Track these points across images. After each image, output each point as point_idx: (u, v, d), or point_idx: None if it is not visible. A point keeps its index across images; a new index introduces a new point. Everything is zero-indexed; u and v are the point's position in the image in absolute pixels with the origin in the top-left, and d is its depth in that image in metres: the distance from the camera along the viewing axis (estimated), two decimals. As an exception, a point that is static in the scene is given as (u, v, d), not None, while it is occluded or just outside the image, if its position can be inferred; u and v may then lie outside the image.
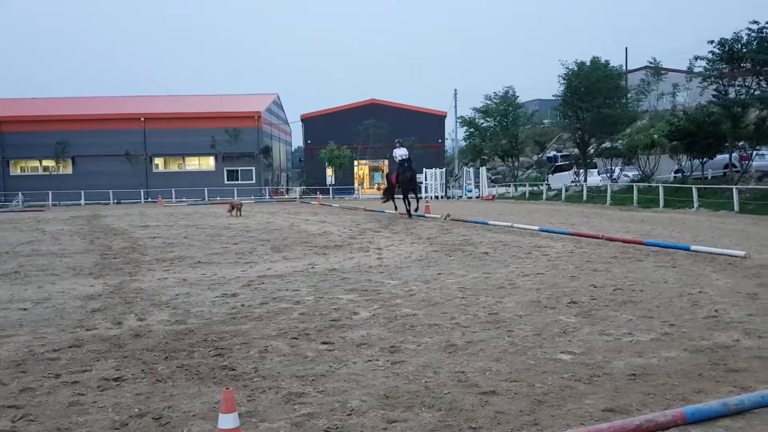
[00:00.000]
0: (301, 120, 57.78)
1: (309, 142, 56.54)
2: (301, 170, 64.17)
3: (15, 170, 52.06)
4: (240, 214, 24.51)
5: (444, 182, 46.51)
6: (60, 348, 5.80)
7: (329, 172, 53.65)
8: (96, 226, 21.34)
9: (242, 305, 7.55)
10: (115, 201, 45.71)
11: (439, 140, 55.89)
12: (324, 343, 5.78)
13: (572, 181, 37.03)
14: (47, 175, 50.72)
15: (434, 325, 6.36)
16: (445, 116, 56.66)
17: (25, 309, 7.60)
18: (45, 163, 51.52)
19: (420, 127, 51.37)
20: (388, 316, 6.79)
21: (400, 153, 21.50)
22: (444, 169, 48.39)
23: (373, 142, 50.12)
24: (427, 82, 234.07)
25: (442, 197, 43.02)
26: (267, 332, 6.22)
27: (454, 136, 61.33)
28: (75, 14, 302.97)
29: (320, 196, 44.41)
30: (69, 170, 51.51)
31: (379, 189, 53.90)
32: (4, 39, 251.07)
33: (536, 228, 15.66)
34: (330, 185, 51.94)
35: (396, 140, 22.43)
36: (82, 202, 44.94)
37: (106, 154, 50.10)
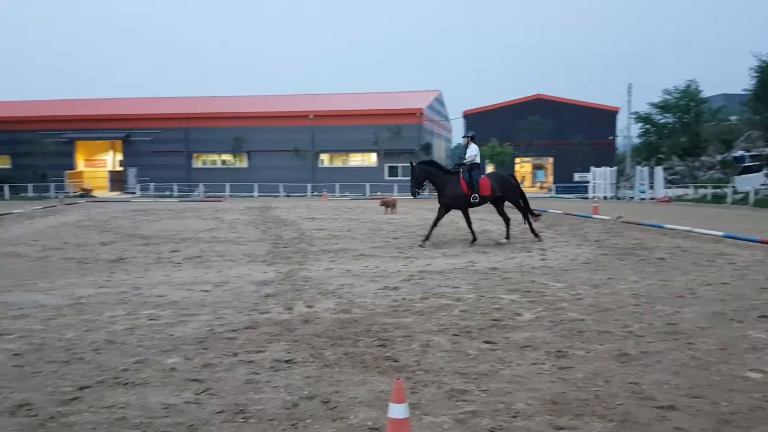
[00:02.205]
0: (463, 116, 57.67)
1: (470, 138, 56.19)
2: (461, 167, 63.92)
3: (197, 163, 56.90)
4: (393, 212, 24.44)
5: (614, 182, 44.20)
6: (237, 329, 6.21)
7: (490, 169, 53.05)
8: (268, 217, 22.74)
9: (403, 299, 7.63)
10: (285, 194, 48.44)
11: (610, 137, 53.12)
12: (486, 342, 5.67)
13: (762, 184, 33.56)
14: (225, 168, 54.90)
15: (604, 332, 6.00)
16: (617, 112, 53.68)
17: (207, 291, 8.25)
18: (223, 157, 55.78)
19: (589, 124, 49.12)
20: (554, 319, 6.52)
21: (471, 154, 14.61)
22: (614, 168, 45.93)
23: (538, 139, 48.79)
24: (599, 78, 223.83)
25: (611, 198, 40.93)
26: (428, 327, 6.22)
27: (627, 133, 57.96)
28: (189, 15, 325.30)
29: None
30: (244, 164, 55.41)
31: (542, 188, 52.40)
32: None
33: (720, 234, 14.31)
34: (490, 182, 51.26)
35: (467, 133, 15.31)
36: (255, 194, 48.18)
37: (278, 149, 53.31)
